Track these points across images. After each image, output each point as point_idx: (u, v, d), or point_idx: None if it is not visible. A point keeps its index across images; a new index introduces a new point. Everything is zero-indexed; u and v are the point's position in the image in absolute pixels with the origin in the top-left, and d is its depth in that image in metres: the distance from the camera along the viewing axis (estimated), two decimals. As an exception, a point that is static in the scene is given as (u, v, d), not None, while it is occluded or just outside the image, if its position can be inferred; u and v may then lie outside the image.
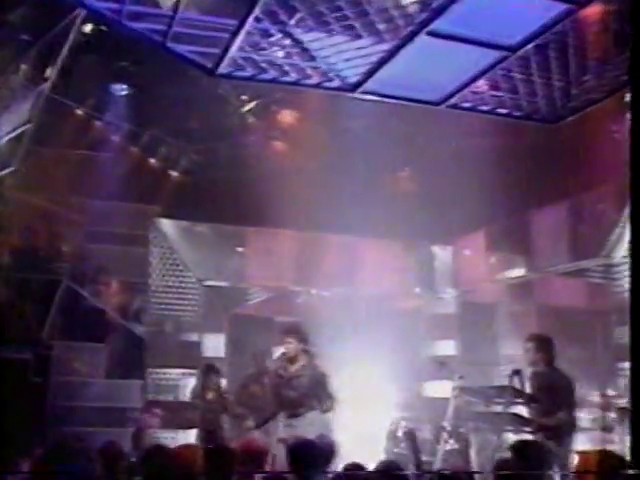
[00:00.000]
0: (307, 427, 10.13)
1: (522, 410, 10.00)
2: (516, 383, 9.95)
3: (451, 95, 8.37)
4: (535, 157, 11.92)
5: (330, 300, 13.83)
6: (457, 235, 13.55)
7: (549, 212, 11.98)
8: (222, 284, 12.76)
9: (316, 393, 10.41)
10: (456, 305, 14.29)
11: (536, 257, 12.14)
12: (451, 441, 11.12)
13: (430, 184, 13.16)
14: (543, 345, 10.25)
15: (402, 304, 14.15)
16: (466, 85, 8.15)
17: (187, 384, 12.25)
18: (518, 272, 12.46)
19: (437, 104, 8.50)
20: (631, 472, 4.92)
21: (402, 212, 12.63)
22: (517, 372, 10.05)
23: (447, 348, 14.59)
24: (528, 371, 10.27)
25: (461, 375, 11.02)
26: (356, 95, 8.07)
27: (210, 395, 12.46)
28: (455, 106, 8.56)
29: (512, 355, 13.47)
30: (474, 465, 10.82)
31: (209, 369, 12.66)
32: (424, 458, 11.88)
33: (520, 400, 9.92)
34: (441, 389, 13.84)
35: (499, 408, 10.22)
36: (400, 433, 12.67)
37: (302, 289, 13.28)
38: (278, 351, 13.71)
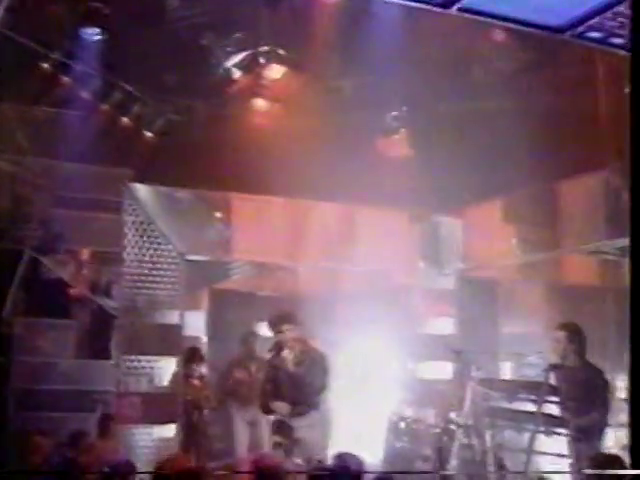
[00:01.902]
0: (307, 429, 8.63)
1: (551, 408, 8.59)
2: (551, 379, 8.49)
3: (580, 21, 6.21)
4: (567, 119, 10.27)
5: (324, 275, 12.17)
6: (469, 205, 11.76)
7: (582, 182, 10.17)
8: (205, 258, 10.95)
9: (318, 383, 8.82)
10: (455, 281, 12.65)
11: (564, 233, 10.41)
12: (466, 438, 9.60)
13: (436, 148, 11.44)
14: (576, 335, 8.94)
15: (402, 280, 12.46)
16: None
17: (164, 369, 10.48)
18: (540, 249, 10.72)
19: (559, 31, 6.33)
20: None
21: (405, 178, 10.99)
22: (554, 367, 8.60)
23: (445, 326, 12.93)
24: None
25: (479, 366, 9.49)
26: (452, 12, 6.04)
27: (193, 384, 10.83)
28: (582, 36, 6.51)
29: (514, 334, 12.30)
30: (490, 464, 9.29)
31: (192, 354, 11.00)
32: (427, 452, 10.53)
33: (555, 399, 8.42)
34: (439, 370, 12.80)
35: (526, 405, 8.83)
36: (402, 425, 11.10)
37: (293, 263, 11.51)
38: (267, 337, 12.60)
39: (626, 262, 10.99)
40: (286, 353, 8.90)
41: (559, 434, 8.44)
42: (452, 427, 10.70)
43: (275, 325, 9.07)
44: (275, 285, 13.17)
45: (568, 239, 10.32)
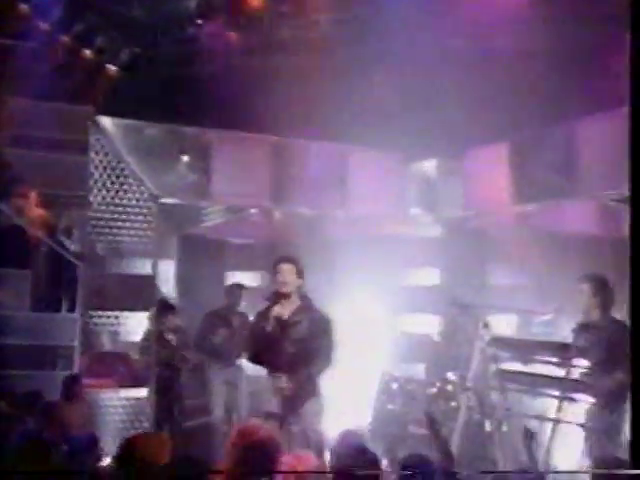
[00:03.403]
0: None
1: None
2: (589, 338, 7.36)
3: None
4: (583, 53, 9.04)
5: (308, 221, 10.88)
6: (470, 147, 10.45)
7: (600, 121, 8.88)
8: (181, 201, 9.56)
9: (319, 346, 7.54)
10: (441, 229, 11.45)
11: (579, 178, 9.15)
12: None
13: (436, 87, 10.12)
14: (601, 288, 7.76)
15: (393, 228, 11.21)
16: None
17: (134, 324, 9.18)
18: (552, 195, 9.46)
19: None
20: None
21: (398, 117, 9.71)
22: (584, 327, 7.47)
23: (431, 277, 11.77)
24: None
25: (486, 322, 8.32)
26: None
27: (165, 340, 9.56)
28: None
29: (502, 286, 11.16)
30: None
31: (164, 307, 9.70)
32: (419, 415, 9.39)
33: (583, 362, 7.30)
34: (424, 323, 11.70)
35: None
36: (395, 386, 9.94)
37: (278, 207, 10.19)
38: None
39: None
40: (283, 307, 7.58)
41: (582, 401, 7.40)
42: (449, 388, 9.68)
43: (273, 271, 7.73)
44: (254, 232, 11.88)
45: (585, 185, 9.08)
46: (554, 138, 9.33)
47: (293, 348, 7.48)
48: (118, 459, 5.13)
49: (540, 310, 9.04)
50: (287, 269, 7.61)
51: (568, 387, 7.39)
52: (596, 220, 10.69)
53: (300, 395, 7.40)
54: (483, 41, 10.07)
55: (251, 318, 10.29)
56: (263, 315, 7.63)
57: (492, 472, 5.67)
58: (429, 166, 10.92)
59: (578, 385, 7.38)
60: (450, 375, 9.75)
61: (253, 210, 10.23)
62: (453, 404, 9.56)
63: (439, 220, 11.14)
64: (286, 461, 5.33)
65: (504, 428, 8.08)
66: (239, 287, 10.77)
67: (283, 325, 7.46)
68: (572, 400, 7.40)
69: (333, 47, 11.47)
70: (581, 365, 7.40)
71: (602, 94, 9.05)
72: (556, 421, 7.44)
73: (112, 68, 12.60)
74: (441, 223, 11.18)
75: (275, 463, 5.15)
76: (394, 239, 11.50)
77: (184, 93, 11.14)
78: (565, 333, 8.57)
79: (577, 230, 10.98)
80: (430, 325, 11.63)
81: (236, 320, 10.39)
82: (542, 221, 10.70)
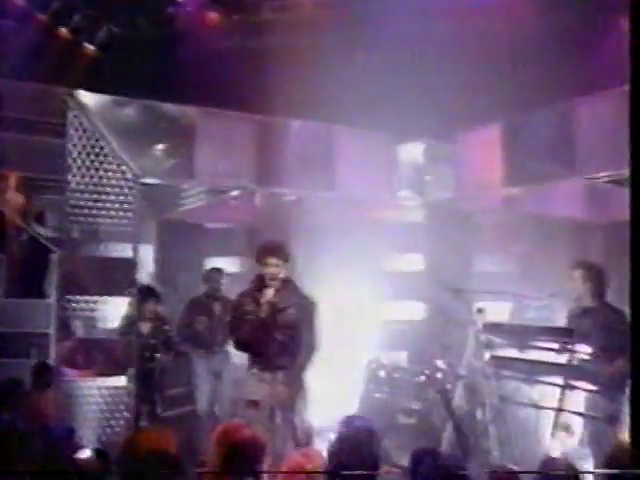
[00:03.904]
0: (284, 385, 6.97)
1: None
2: (583, 325, 7.00)
3: None
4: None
5: (293, 205, 10.43)
6: (461, 129, 9.99)
7: (600, 100, 8.45)
8: (164, 182, 9.04)
9: (306, 332, 7.12)
10: (428, 213, 11.03)
11: (572, 160, 8.73)
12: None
13: (427, 67, 9.67)
14: (593, 274, 7.58)
15: (379, 212, 10.78)
16: None
17: (114, 310, 8.66)
18: (544, 178, 9.03)
19: None
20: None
21: (387, 99, 9.27)
22: (581, 312, 7.11)
23: (415, 263, 11.36)
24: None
25: (480, 308, 7.93)
26: None
27: (146, 327, 9.09)
28: None
29: (488, 272, 10.77)
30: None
31: (146, 292, 9.21)
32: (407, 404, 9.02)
33: (586, 348, 6.94)
34: (409, 310, 11.35)
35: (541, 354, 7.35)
36: (382, 373, 9.51)
37: (262, 188, 9.70)
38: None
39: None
40: (268, 293, 7.13)
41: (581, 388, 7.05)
42: (439, 376, 9.26)
43: (259, 257, 7.28)
44: (235, 216, 11.42)
45: (578, 167, 8.67)
46: (546, 119, 8.93)
47: (280, 335, 7.06)
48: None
49: (536, 295, 8.68)
50: (273, 262, 7.20)
51: (569, 374, 7.02)
52: (586, 204, 10.38)
53: (289, 385, 6.99)
54: (473, 22, 9.62)
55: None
56: (246, 298, 7.21)
57: (512, 472, 5.22)
58: (418, 148, 10.48)
59: (579, 372, 7.03)
60: (439, 363, 9.37)
61: (235, 192, 9.73)
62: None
63: (426, 204, 10.71)
64: (294, 459, 4.96)
65: (498, 417, 7.75)
66: (218, 272, 10.33)
67: (269, 311, 7.04)
68: (573, 387, 7.03)
69: (318, 28, 10.99)
70: (582, 351, 7.04)
71: (596, 74, 8.72)
72: (556, 410, 7.04)
73: (89, 47, 12.02)
74: (428, 207, 10.75)
75: (259, 463, 4.79)
76: (379, 223, 11.10)
77: (164, 73, 10.61)
78: (560, 319, 8.29)
79: (566, 214, 10.66)
80: (415, 312, 11.27)
81: (217, 306, 9.95)
82: (532, 205, 10.36)
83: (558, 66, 8.75)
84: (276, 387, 6.99)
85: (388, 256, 11.50)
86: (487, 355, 7.85)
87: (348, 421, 5.46)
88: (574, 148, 8.67)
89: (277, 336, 7.05)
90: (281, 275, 7.19)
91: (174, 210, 10.63)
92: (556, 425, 6.97)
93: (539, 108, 8.97)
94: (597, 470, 5.85)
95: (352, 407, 9.51)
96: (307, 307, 7.20)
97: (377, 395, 9.41)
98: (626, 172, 8.23)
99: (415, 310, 11.24)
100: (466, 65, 9.11)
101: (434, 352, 9.64)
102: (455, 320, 9.74)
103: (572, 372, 7.03)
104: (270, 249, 7.23)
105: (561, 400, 6.99)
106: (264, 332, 7.03)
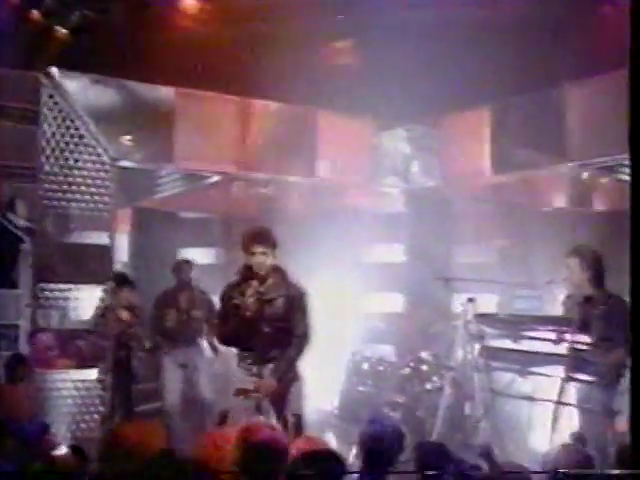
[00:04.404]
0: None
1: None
2: (582, 314, 6.62)
3: None
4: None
5: (271, 193, 10.00)
6: (446, 115, 9.57)
7: (593, 85, 8.08)
8: (141, 166, 8.54)
9: (297, 324, 6.67)
10: (409, 202, 10.65)
11: (569, 146, 8.36)
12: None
13: (408, 53, 9.20)
14: (591, 261, 7.07)
15: (359, 200, 10.38)
16: None
17: (86, 300, 8.16)
18: (537, 162, 8.65)
19: None
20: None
21: (373, 85, 8.83)
22: (589, 299, 6.73)
23: (395, 254, 11.01)
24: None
25: (471, 297, 7.54)
26: None
27: (122, 317, 8.60)
28: None
29: (468, 264, 10.41)
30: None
31: (121, 281, 8.72)
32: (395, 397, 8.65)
33: (584, 338, 6.56)
34: (389, 302, 11.02)
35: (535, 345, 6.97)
36: (366, 366, 9.12)
37: (242, 173, 9.25)
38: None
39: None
40: (255, 284, 6.69)
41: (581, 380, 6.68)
42: (424, 368, 8.89)
43: (245, 246, 6.81)
44: (212, 205, 10.97)
45: (572, 152, 8.31)
46: (536, 104, 8.58)
47: (269, 327, 6.63)
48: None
49: (530, 284, 8.32)
50: (259, 250, 6.73)
51: (568, 365, 6.63)
52: (572, 193, 10.06)
53: (279, 378, 6.56)
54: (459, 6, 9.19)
55: (206, 293, 9.57)
56: (233, 291, 6.76)
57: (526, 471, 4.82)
58: (403, 134, 10.08)
59: (578, 363, 6.64)
60: (424, 354, 8.99)
61: (214, 178, 9.28)
62: (428, 386, 8.83)
63: (409, 191, 10.31)
64: (298, 446, 4.55)
65: (489, 411, 7.38)
66: (187, 263, 9.76)
67: (258, 304, 6.59)
68: (572, 379, 6.66)
69: (299, 14, 10.50)
70: (581, 341, 6.66)
71: (587, 59, 8.34)
72: (556, 402, 6.66)
73: (62, 31, 11.47)
74: (411, 194, 10.35)
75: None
76: (360, 212, 10.74)
77: (139, 57, 10.11)
78: (552, 309, 7.94)
79: (553, 204, 10.34)
80: (397, 304, 10.89)
81: (184, 298, 9.44)
82: (516, 194, 10.02)
83: (547, 50, 8.33)
84: (266, 380, 6.56)
85: (368, 247, 11.16)
86: (478, 346, 7.46)
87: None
88: (564, 134, 8.33)
89: (266, 328, 6.62)
90: (268, 263, 6.75)
91: (149, 198, 10.13)
92: (556, 419, 6.58)
93: (528, 92, 8.62)
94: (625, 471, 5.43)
95: (335, 401, 9.21)
96: (297, 297, 6.77)
97: (361, 388, 9.04)
98: (616, 158, 8.07)
99: (398, 302, 10.88)
100: (453, 49, 8.67)
101: (418, 344, 9.29)
102: (440, 311, 9.42)
103: (571, 363, 6.65)
104: (255, 236, 6.76)
105: (561, 392, 6.60)
106: (253, 326, 6.59)
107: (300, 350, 6.72)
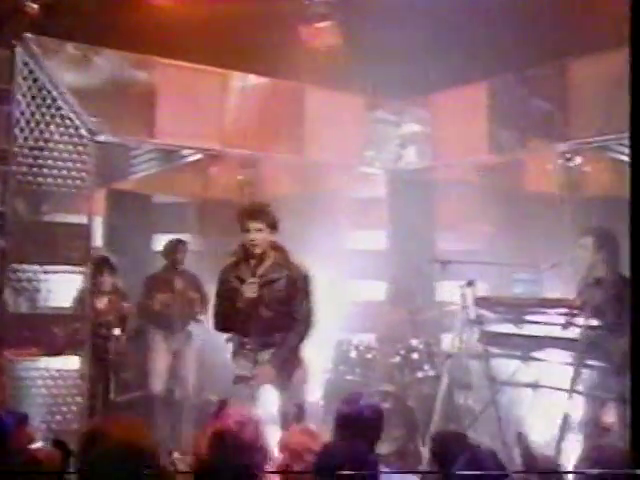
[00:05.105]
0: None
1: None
2: (594, 297, 6.14)
3: None
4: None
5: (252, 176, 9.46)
6: (437, 93, 9.02)
7: (595, 61, 7.61)
8: (122, 141, 7.90)
9: (298, 307, 6.14)
10: (386, 185, 10.14)
11: (571, 123, 7.88)
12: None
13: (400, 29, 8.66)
14: (606, 242, 6.61)
15: (343, 183, 9.84)
16: None
17: (64, 283, 7.51)
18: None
19: None
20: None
21: (362, 62, 8.31)
22: (598, 282, 6.25)
23: (378, 240, 10.49)
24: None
25: (471, 280, 7.03)
26: None
27: (102, 302, 7.98)
28: None
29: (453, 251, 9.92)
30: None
31: (100, 263, 8.09)
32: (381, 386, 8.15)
33: (598, 323, 6.09)
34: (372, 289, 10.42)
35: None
36: (353, 354, 8.59)
37: (227, 150, 8.67)
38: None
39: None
40: (253, 265, 6.13)
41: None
42: (415, 356, 8.39)
43: (241, 223, 6.25)
44: (189, 187, 10.38)
45: (568, 131, 7.86)
46: (533, 82, 8.12)
47: (269, 311, 6.09)
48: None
49: (534, 265, 7.83)
50: (256, 227, 6.18)
51: (579, 350, 6.16)
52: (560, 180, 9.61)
53: (279, 364, 6.03)
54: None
55: (196, 275, 9.00)
56: (229, 273, 6.21)
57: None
58: (393, 112, 9.54)
59: (589, 348, 6.17)
60: (415, 342, 8.49)
61: (196, 156, 8.69)
62: (419, 375, 8.34)
63: (397, 171, 9.78)
64: (297, 439, 4.07)
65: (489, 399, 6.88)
66: (181, 243, 9.12)
67: (256, 287, 6.04)
68: (584, 366, 6.19)
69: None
70: (592, 325, 6.18)
71: (588, 36, 7.87)
72: (569, 391, 6.18)
73: (33, 6, 10.81)
74: (399, 175, 9.82)
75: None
76: (342, 197, 10.22)
77: (116, 34, 9.48)
78: (552, 294, 7.50)
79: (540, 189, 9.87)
80: (379, 291, 10.36)
81: (179, 281, 8.84)
82: (507, 177, 9.54)
83: (547, 27, 7.86)
84: (264, 367, 6.03)
85: (350, 233, 10.64)
86: (477, 332, 6.96)
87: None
88: (562, 112, 7.88)
89: (266, 312, 6.08)
90: (265, 240, 6.19)
91: (125, 178, 9.47)
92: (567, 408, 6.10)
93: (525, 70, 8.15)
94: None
95: (321, 390, 8.69)
96: (299, 278, 6.23)
97: (348, 377, 8.54)
98: (615, 137, 7.65)
99: (379, 289, 10.36)
100: (449, 27, 8.17)
101: (407, 332, 8.78)
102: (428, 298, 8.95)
103: (582, 348, 6.17)
104: (252, 212, 6.23)
105: (574, 379, 6.11)
106: (252, 310, 6.04)
107: (302, 335, 6.22)
